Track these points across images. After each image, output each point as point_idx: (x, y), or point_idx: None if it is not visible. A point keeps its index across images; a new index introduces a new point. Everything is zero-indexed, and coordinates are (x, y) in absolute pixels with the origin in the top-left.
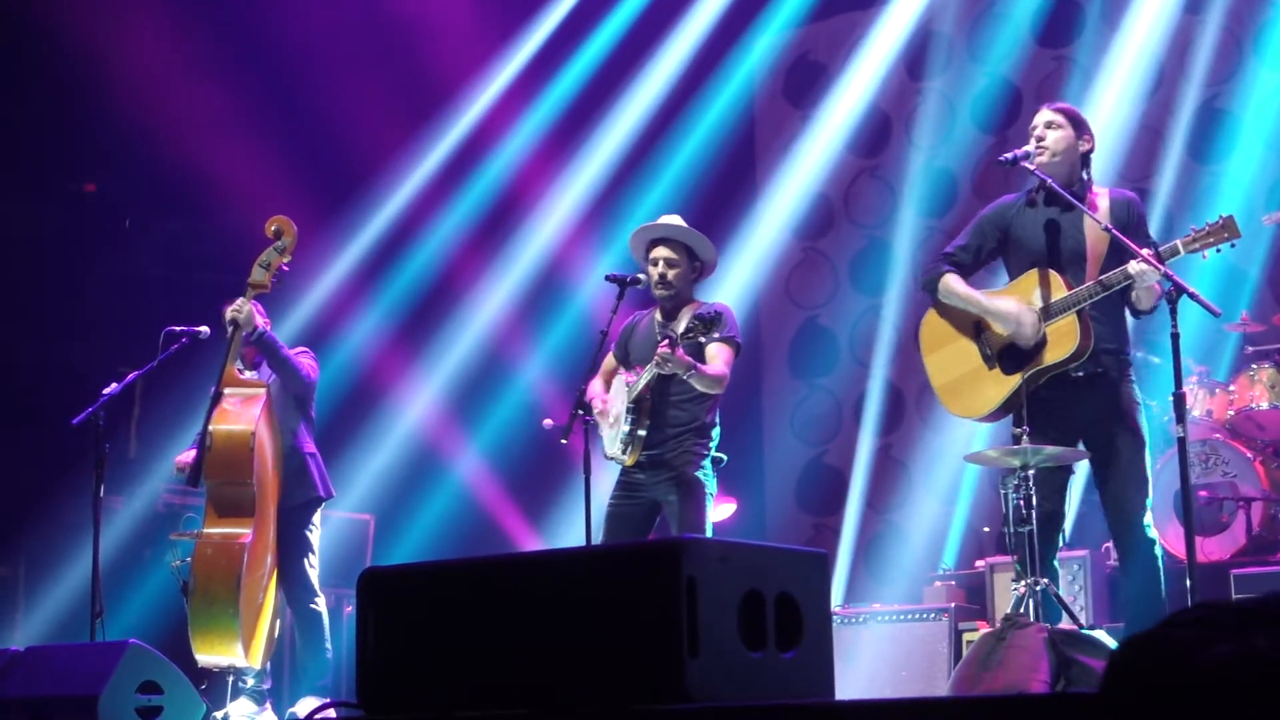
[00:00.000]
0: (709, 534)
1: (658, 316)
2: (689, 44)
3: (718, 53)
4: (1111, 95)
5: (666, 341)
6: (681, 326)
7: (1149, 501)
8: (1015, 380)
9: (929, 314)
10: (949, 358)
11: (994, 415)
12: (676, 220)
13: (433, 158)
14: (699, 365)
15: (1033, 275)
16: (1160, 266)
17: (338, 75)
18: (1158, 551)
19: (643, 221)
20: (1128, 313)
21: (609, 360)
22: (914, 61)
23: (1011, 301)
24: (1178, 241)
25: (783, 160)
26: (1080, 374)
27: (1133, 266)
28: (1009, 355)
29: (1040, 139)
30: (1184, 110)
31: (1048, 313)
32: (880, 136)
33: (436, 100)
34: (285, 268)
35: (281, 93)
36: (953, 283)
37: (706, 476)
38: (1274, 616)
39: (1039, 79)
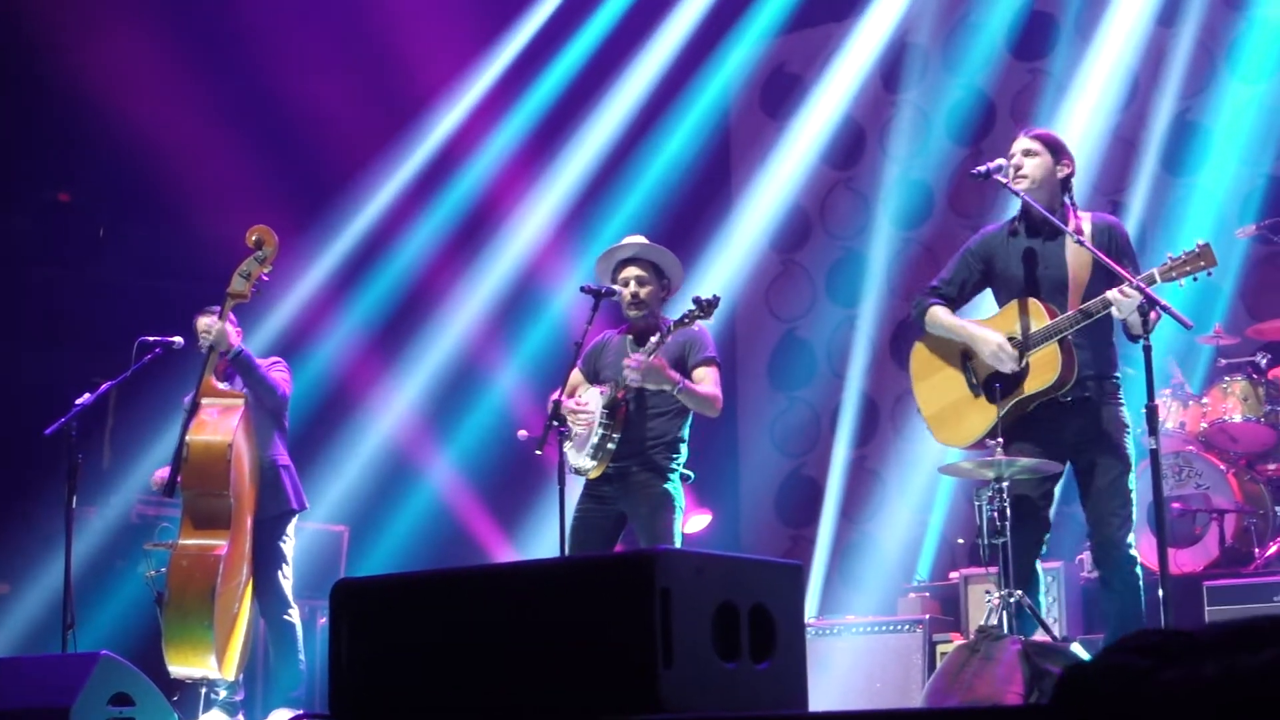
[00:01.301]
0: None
1: (629, 338)
2: (665, 55)
3: (694, 63)
4: (1085, 108)
5: (640, 354)
6: (654, 339)
7: (1133, 522)
8: (997, 409)
9: (918, 344)
10: (937, 387)
11: (980, 444)
12: (640, 240)
13: (408, 166)
14: (687, 383)
15: (1014, 306)
16: (1134, 280)
17: (313, 84)
18: (1139, 571)
19: (617, 233)
20: (1120, 335)
21: (575, 375)
22: (889, 73)
23: (995, 334)
24: (1154, 270)
25: (759, 171)
26: (1069, 399)
27: (1111, 295)
28: (993, 384)
29: (1019, 168)
30: (1157, 123)
31: (1028, 343)
32: (855, 148)
33: (412, 108)
34: (265, 278)
35: (256, 101)
36: (939, 314)
37: (675, 490)
38: (1218, 644)
39: (1013, 91)
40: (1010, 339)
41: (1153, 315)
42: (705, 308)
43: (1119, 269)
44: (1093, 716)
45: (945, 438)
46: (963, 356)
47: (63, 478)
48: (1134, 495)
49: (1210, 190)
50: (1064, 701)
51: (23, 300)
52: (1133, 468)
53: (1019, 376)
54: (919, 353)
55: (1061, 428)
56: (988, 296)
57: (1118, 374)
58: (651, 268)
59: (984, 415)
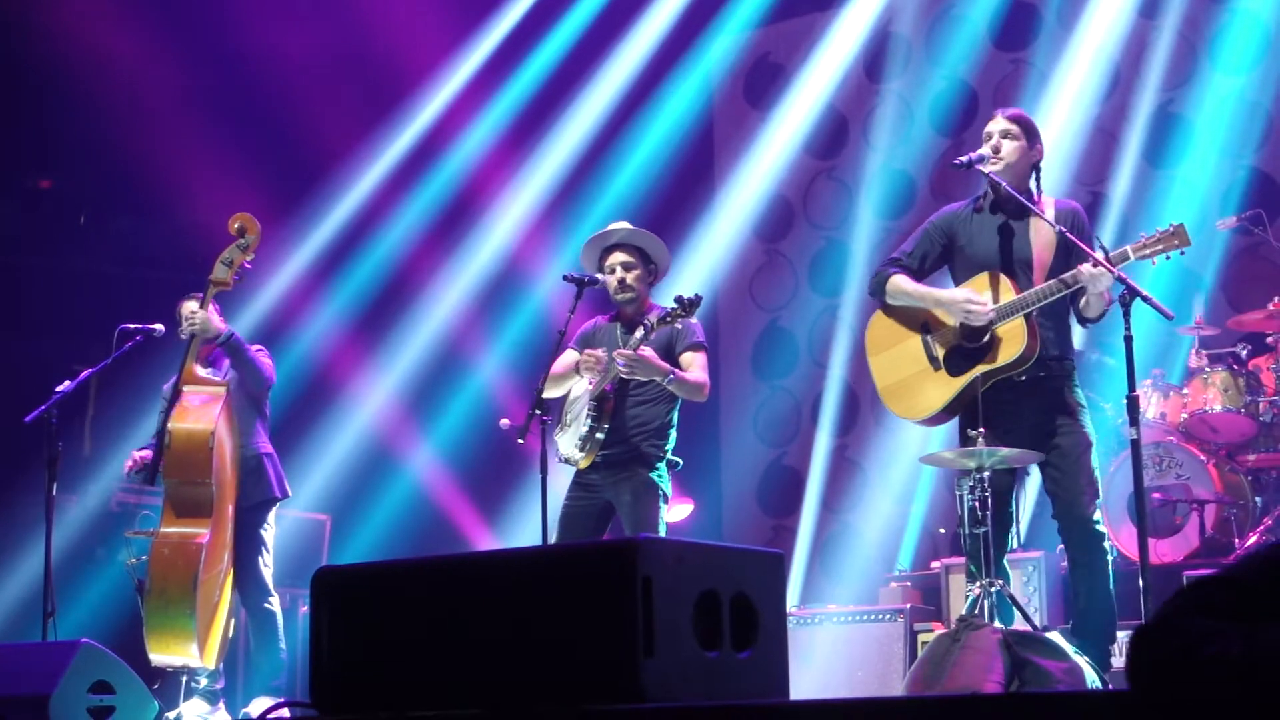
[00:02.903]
0: (662, 535)
1: (619, 325)
2: (649, 43)
3: (677, 52)
4: (1067, 99)
5: (637, 342)
6: (639, 334)
7: (1098, 501)
8: (960, 382)
9: (875, 316)
10: (894, 359)
11: (937, 417)
12: (626, 225)
13: (390, 154)
14: (677, 371)
15: (983, 278)
16: (1112, 269)
17: (296, 71)
18: (1107, 546)
19: (599, 222)
20: (1073, 321)
21: (570, 355)
22: (872, 63)
23: (961, 290)
24: (1128, 247)
25: (742, 161)
26: (1024, 378)
27: (1084, 269)
28: (955, 357)
29: (996, 149)
30: (1139, 114)
31: (996, 315)
32: (838, 138)
33: (395, 96)
34: (248, 265)
35: (239, 89)
36: (901, 282)
37: (661, 478)
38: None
39: (995, 82)
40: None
41: (1107, 300)
42: (687, 306)
43: (1087, 248)
44: (1149, 684)
45: (901, 411)
46: (922, 328)
47: (43, 465)
48: (1098, 473)
49: (1191, 182)
50: (1131, 661)
51: (2, 286)
52: (1094, 445)
53: (983, 349)
54: (875, 325)
55: (1020, 409)
56: (944, 279)
57: (1073, 357)
58: (638, 253)
59: (942, 389)
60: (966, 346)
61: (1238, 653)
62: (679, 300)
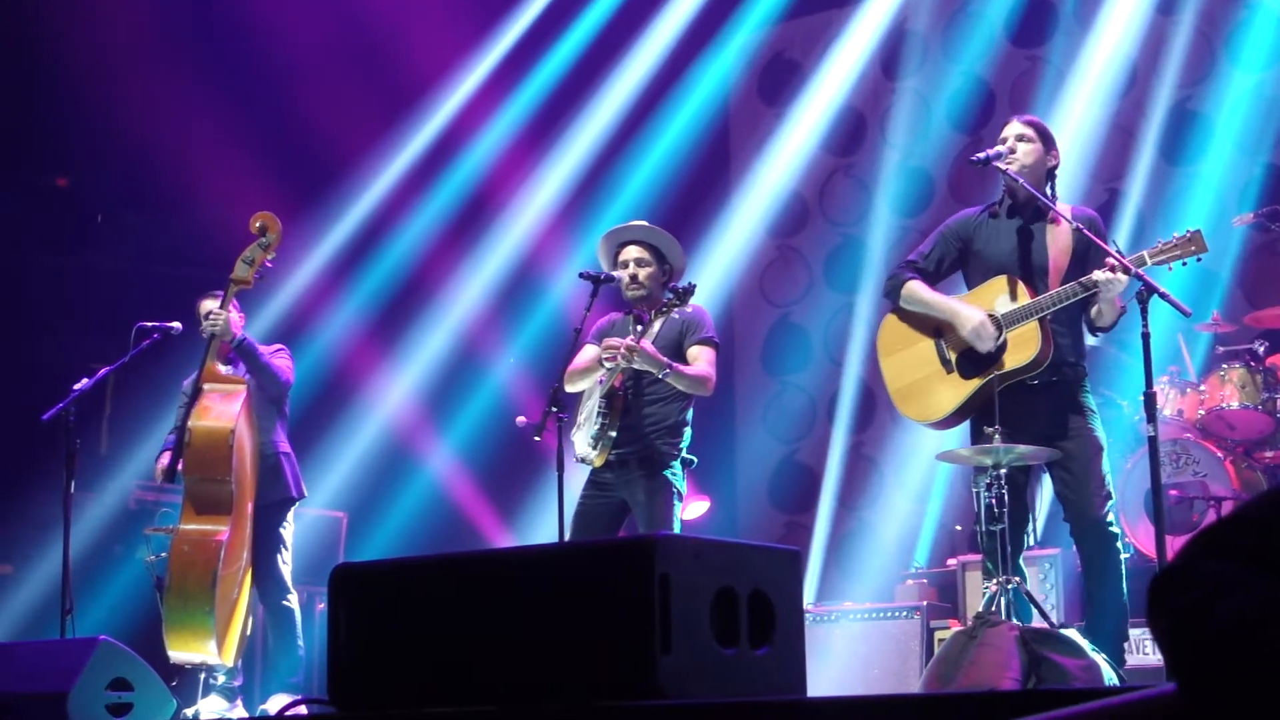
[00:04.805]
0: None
1: (632, 318)
2: (664, 41)
3: (693, 50)
4: (1084, 96)
5: (632, 336)
6: (656, 327)
7: (1111, 502)
8: (973, 385)
9: (888, 318)
10: (906, 361)
11: (949, 420)
12: (643, 223)
13: (407, 153)
14: (675, 364)
15: (999, 281)
16: (1130, 266)
17: (312, 69)
18: (1120, 547)
19: (616, 219)
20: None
21: (589, 349)
22: (889, 60)
23: (977, 311)
24: (1144, 253)
25: (757, 158)
26: (1036, 382)
27: (1098, 275)
28: (968, 360)
29: (1011, 151)
30: (1156, 111)
31: (1010, 318)
32: (855, 135)
33: (411, 95)
34: (269, 264)
35: (255, 87)
36: (916, 288)
37: (675, 476)
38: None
39: (1012, 79)
40: (989, 315)
41: (1119, 307)
42: (681, 295)
43: (1106, 247)
44: (1164, 633)
45: (913, 413)
46: (935, 331)
47: (61, 463)
48: (1109, 476)
49: (1209, 179)
50: (1149, 610)
51: (20, 285)
52: (1105, 448)
53: (995, 353)
54: (888, 327)
55: (1031, 413)
56: (957, 277)
57: (1085, 363)
58: (652, 250)
59: (954, 391)
60: (977, 350)
61: (1253, 617)
62: (672, 289)
